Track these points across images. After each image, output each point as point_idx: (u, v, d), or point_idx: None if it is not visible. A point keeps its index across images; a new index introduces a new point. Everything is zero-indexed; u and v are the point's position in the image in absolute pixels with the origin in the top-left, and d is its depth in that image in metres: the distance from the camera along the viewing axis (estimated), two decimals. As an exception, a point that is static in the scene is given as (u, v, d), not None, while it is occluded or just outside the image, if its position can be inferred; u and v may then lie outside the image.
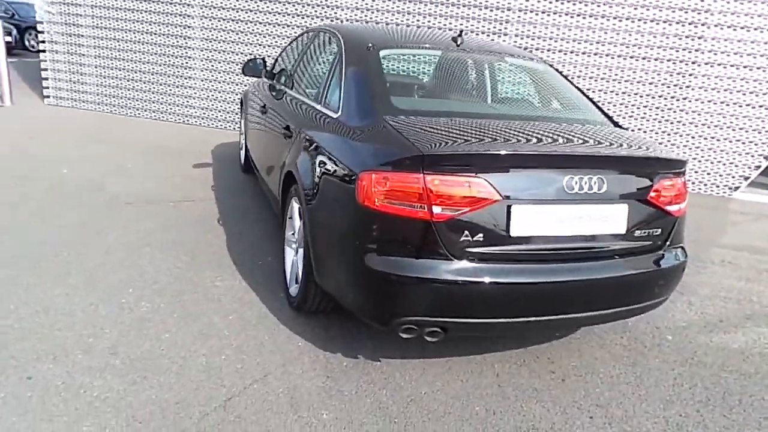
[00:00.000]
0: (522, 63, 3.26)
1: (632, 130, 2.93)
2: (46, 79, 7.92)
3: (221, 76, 7.48)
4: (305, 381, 2.35)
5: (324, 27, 3.64)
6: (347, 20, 6.91)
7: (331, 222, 2.39)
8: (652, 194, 2.35)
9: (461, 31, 3.08)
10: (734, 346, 3.02)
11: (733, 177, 6.43)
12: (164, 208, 4.28)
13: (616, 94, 6.44)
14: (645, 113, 6.43)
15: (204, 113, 7.68)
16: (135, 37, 7.54)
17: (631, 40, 6.25)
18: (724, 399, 2.53)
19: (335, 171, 2.37)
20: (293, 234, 3.02)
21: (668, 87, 6.32)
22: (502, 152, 2.11)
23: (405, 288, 2.11)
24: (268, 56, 6.50)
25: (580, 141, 2.42)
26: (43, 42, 7.79)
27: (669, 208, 2.42)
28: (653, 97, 6.37)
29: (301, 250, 2.80)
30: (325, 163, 2.47)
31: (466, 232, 2.08)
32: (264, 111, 3.95)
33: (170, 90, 7.67)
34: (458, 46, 3.07)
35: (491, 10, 6.45)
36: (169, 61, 7.55)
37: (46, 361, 2.31)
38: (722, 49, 6.10)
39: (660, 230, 2.43)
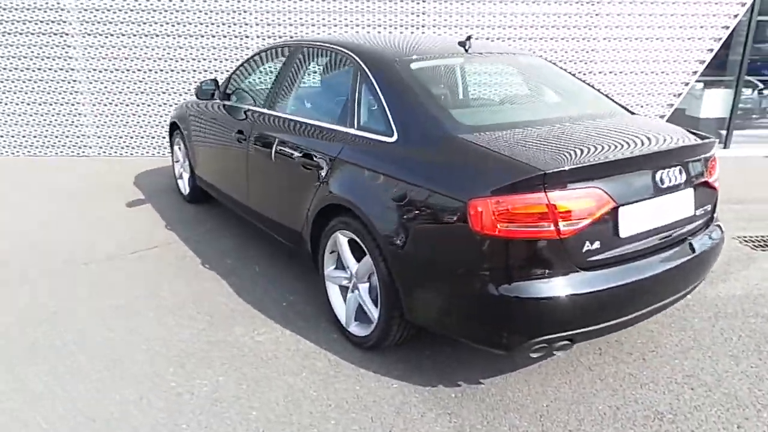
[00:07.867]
0: (533, 62, 3.29)
1: (646, 116, 3.12)
2: None
3: (115, 98, 6.66)
4: (430, 426, 2.22)
5: (306, 42, 3.37)
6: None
7: (430, 255, 2.24)
8: (706, 174, 2.54)
9: (469, 36, 3.02)
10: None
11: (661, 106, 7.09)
12: (130, 262, 3.73)
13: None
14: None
15: (98, 141, 6.81)
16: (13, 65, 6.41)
17: None
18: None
19: (426, 202, 2.21)
20: (335, 269, 2.83)
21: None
22: (612, 159, 2.13)
23: (541, 309, 2.06)
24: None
25: (648, 136, 2.49)
26: None
27: (713, 183, 2.64)
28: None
29: (363, 286, 2.63)
30: (405, 196, 2.29)
31: (587, 243, 2.08)
32: (242, 136, 3.56)
33: (57, 120, 6.70)
34: (467, 51, 3.01)
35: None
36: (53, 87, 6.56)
37: None
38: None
39: (710, 206, 2.63)
